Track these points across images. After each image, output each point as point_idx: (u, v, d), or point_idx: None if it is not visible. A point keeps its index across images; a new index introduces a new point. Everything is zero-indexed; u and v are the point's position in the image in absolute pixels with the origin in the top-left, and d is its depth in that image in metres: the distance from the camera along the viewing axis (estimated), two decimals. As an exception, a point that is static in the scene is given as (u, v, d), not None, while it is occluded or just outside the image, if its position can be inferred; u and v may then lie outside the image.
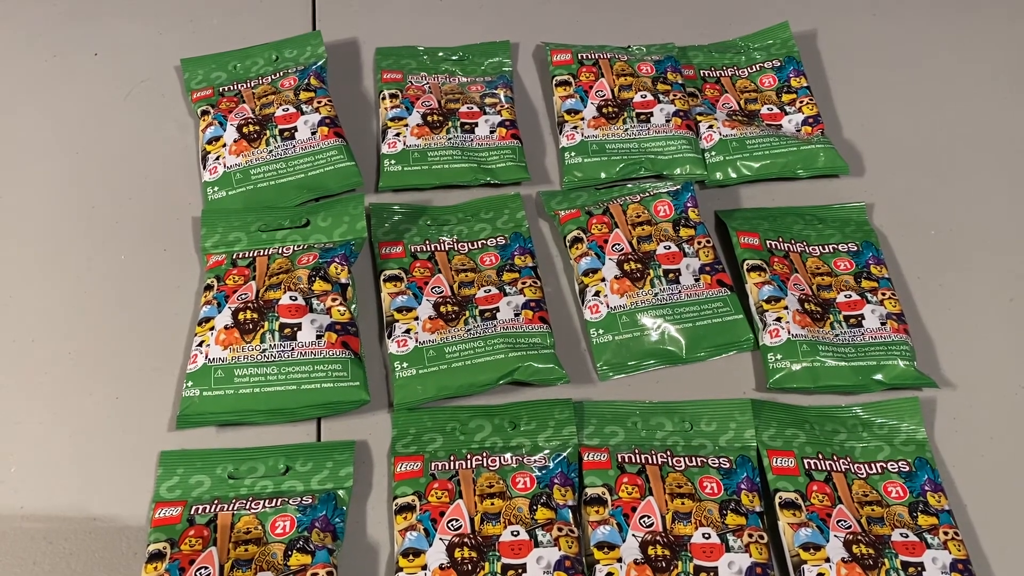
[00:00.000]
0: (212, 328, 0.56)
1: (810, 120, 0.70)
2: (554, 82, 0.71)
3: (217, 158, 0.65)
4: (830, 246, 0.64)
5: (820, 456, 0.54)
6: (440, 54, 0.73)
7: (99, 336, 0.59)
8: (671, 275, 0.61)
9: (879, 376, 0.57)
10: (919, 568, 0.50)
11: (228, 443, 0.55)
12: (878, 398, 0.57)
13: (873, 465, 0.54)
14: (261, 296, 0.58)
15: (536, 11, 0.77)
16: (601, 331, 0.59)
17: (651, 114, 0.68)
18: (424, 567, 0.49)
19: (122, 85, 0.71)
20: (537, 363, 0.57)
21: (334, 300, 0.58)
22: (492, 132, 0.68)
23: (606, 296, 0.60)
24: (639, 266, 0.61)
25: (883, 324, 0.59)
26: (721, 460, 0.54)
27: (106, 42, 0.73)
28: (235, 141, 0.66)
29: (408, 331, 0.58)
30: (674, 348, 0.59)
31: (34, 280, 0.61)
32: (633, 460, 0.53)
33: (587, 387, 0.58)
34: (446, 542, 0.50)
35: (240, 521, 0.50)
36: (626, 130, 0.68)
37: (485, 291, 0.59)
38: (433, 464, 0.53)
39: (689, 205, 0.64)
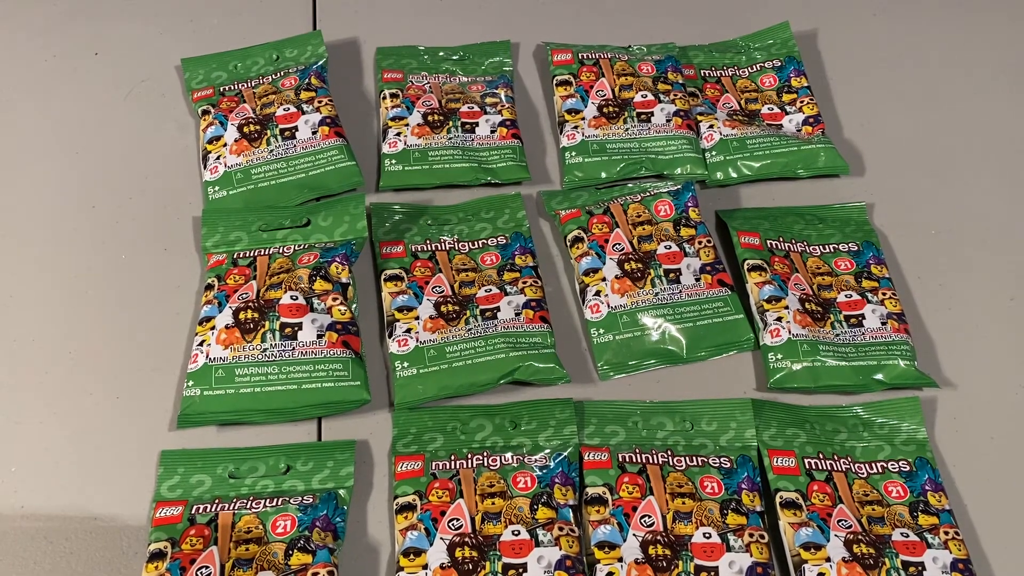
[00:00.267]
0: (213, 327, 0.56)
1: (810, 120, 0.70)
2: (555, 82, 0.71)
3: (218, 158, 0.65)
4: (831, 246, 0.64)
5: (821, 456, 0.54)
6: (441, 54, 0.73)
7: (99, 336, 0.59)
8: (672, 275, 0.61)
9: (880, 376, 0.57)
10: (920, 568, 0.50)
11: (229, 443, 0.54)
12: (879, 398, 0.57)
13: (874, 465, 0.54)
14: (262, 296, 0.58)
15: (536, 11, 0.77)
16: (602, 331, 0.59)
17: (652, 114, 0.68)
18: (425, 566, 0.49)
19: (122, 85, 0.71)
20: (538, 363, 0.57)
21: (335, 300, 0.58)
22: (493, 132, 0.68)
23: (607, 296, 0.60)
24: (640, 266, 0.61)
25: (884, 324, 0.59)
26: (722, 460, 0.54)
27: (106, 42, 0.73)
28: (236, 141, 0.66)
29: (409, 330, 0.58)
30: (675, 348, 0.59)
31: (34, 280, 0.61)
32: (634, 460, 0.53)
33: (588, 387, 0.58)
34: (447, 541, 0.50)
35: (241, 520, 0.50)
36: (627, 130, 0.68)
37: (486, 291, 0.59)
38: (434, 463, 0.53)
39: (690, 205, 0.64)
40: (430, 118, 0.68)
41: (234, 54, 0.71)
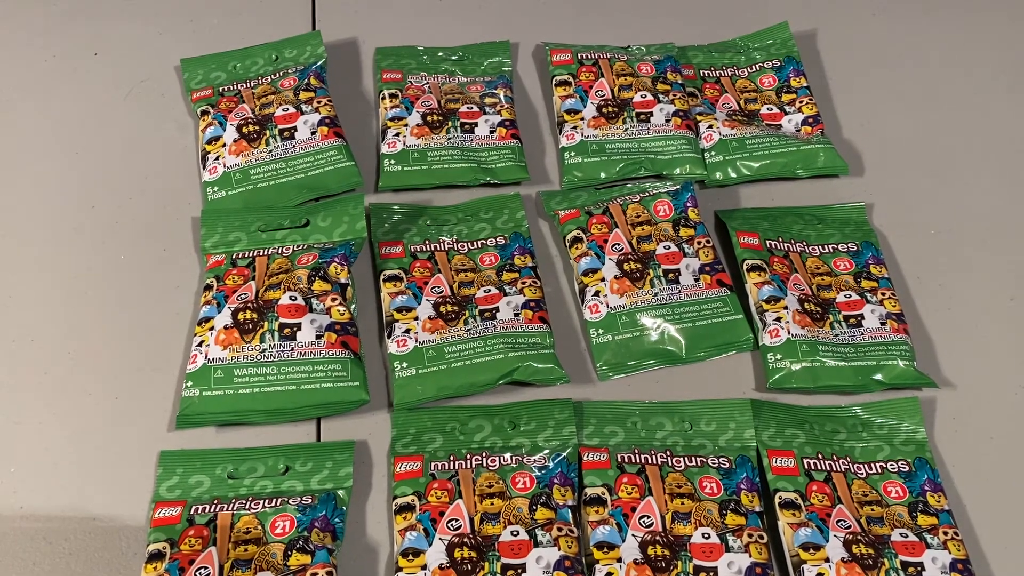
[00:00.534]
0: (212, 328, 0.56)
1: (810, 120, 0.70)
2: (554, 82, 0.71)
3: (217, 158, 0.65)
4: (830, 246, 0.64)
5: (820, 456, 0.54)
6: (440, 54, 0.73)
7: (99, 336, 0.59)
8: (671, 275, 0.61)
9: (879, 376, 0.57)
10: (919, 568, 0.50)
11: (228, 443, 0.55)
12: (878, 398, 0.57)
13: (873, 465, 0.54)
14: (261, 296, 0.58)
15: (536, 11, 0.77)
16: (601, 331, 0.59)
17: (651, 114, 0.68)
18: (424, 567, 0.49)
19: (122, 85, 0.71)
20: (537, 363, 0.57)
21: (334, 300, 0.58)
22: (492, 132, 0.68)
23: (606, 296, 0.60)
24: (639, 266, 0.61)
25: (883, 324, 0.59)
26: (721, 460, 0.54)
27: (106, 42, 0.73)
28: (235, 141, 0.66)
29: (408, 331, 0.58)
30: (674, 348, 0.59)
31: (34, 280, 0.61)
32: (633, 460, 0.53)
33: (587, 387, 0.58)
34: (446, 542, 0.50)
35: (240, 521, 0.50)
36: (626, 130, 0.68)
37: (485, 291, 0.59)
38: (433, 464, 0.53)
39: (689, 205, 0.64)
40: (429, 118, 0.68)
41: (233, 54, 0.71)
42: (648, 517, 0.51)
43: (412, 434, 0.55)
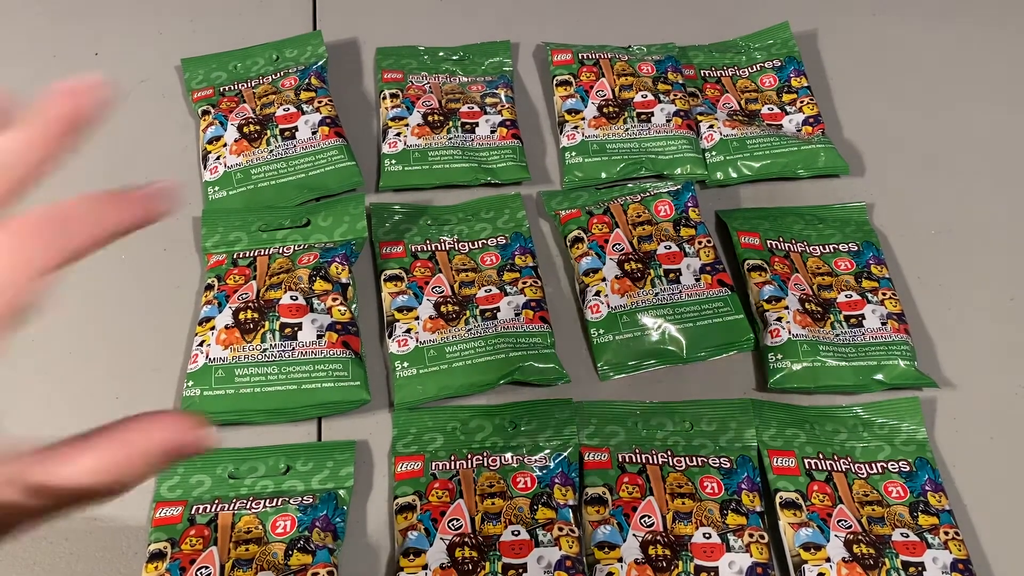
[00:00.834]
0: (213, 328, 0.56)
1: (811, 120, 0.70)
2: (555, 82, 0.71)
3: (218, 158, 0.65)
4: (830, 246, 0.64)
5: (820, 456, 0.54)
6: (441, 54, 0.73)
7: (99, 336, 0.59)
8: (672, 275, 0.61)
9: (879, 376, 0.57)
10: (920, 568, 0.50)
11: (228, 443, 0.54)
12: (878, 398, 0.57)
13: (874, 465, 0.54)
14: (262, 296, 0.58)
15: (536, 11, 0.77)
16: (602, 331, 0.59)
17: (652, 114, 0.68)
18: (425, 567, 0.49)
19: (122, 85, 0.71)
20: (538, 363, 0.56)
21: (335, 300, 0.58)
22: (493, 132, 0.68)
23: (607, 296, 0.60)
24: (640, 266, 0.61)
25: (883, 324, 0.59)
26: (722, 460, 0.54)
27: (106, 42, 0.73)
28: (236, 141, 0.66)
29: (409, 331, 0.58)
30: (675, 348, 0.59)
31: (34, 280, 0.61)
32: (634, 460, 0.53)
33: (588, 387, 0.58)
34: (447, 542, 0.50)
35: (241, 521, 0.50)
36: (627, 130, 0.68)
37: (486, 291, 0.59)
38: (434, 464, 0.53)
39: (690, 205, 0.64)
40: (430, 118, 0.68)
41: (234, 54, 0.71)
42: (649, 517, 0.51)
43: (413, 434, 0.55)
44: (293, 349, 0.55)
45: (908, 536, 0.51)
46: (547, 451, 0.54)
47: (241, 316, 0.57)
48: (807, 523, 0.51)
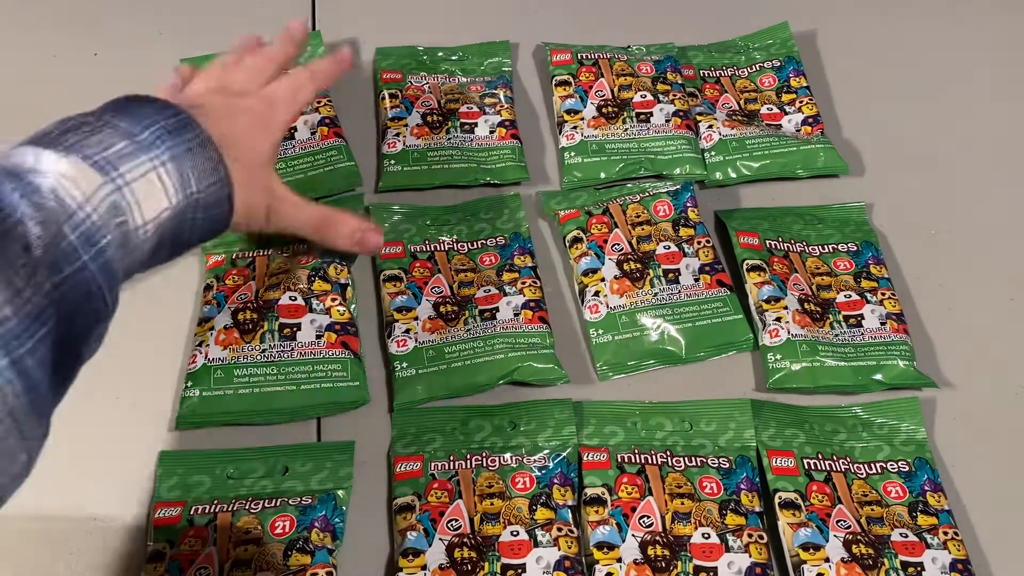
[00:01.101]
0: (212, 328, 0.56)
1: (810, 120, 0.70)
2: (554, 82, 0.71)
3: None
4: (830, 246, 0.64)
5: (820, 456, 0.54)
6: (440, 54, 0.73)
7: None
8: (671, 275, 0.61)
9: (879, 376, 0.57)
10: (919, 568, 0.50)
11: (228, 443, 0.54)
12: (878, 398, 0.57)
13: (873, 465, 0.54)
14: (260, 296, 0.58)
15: (536, 11, 0.77)
16: (601, 331, 0.59)
17: (651, 114, 0.68)
18: (423, 567, 0.49)
19: (122, 85, 0.71)
20: (537, 363, 0.57)
21: (333, 300, 0.58)
22: (492, 132, 0.68)
23: (606, 296, 0.60)
24: (639, 266, 0.61)
25: (883, 324, 0.59)
26: (721, 460, 0.54)
27: (106, 42, 0.73)
28: (235, 141, 0.66)
29: (408, 331, 0.58)
30: (674, 348, 0.59)
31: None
32: (633, 460, 0.53)
33: (587, 387, 0.58)
34: (445, 542, 0.50)
35: (240, 521, 0.50)
36: (626, 130, 0.68)
37: (485, 291, 0.59)
38: (433, 464, 0.53)
39: (689, 205, 0.64)
40: (429, 118, 0.68)
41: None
42: (648, 517, 0.51)
43: (412, 434, 0.55)
44: (292, 349, 0.56)
45: (907, 536, 0.51)
46: (546, 451, 0.54)
47: (240, 316, 0.57)
48: (806, 523, 0.51)
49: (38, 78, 0.71)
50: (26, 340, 0.32)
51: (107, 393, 0.56)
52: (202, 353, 0.55)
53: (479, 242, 0.62)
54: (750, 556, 0.50)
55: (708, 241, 0.63)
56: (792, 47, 0.74)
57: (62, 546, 0.51)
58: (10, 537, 0.51)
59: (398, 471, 0.53)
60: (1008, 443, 0.57)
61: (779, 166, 0.67)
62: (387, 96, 0.69)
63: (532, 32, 0.75)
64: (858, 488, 0.53)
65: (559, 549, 0.49)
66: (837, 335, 0.59)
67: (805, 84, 0.71)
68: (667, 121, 0.68)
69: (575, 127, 0.68)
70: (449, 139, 0.67)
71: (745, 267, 0.61)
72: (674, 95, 0.69)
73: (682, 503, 0.51)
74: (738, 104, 0.71)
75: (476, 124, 0.68)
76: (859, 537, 0.50)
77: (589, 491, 0.52)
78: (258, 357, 0.55)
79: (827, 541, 0.50)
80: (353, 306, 0.59)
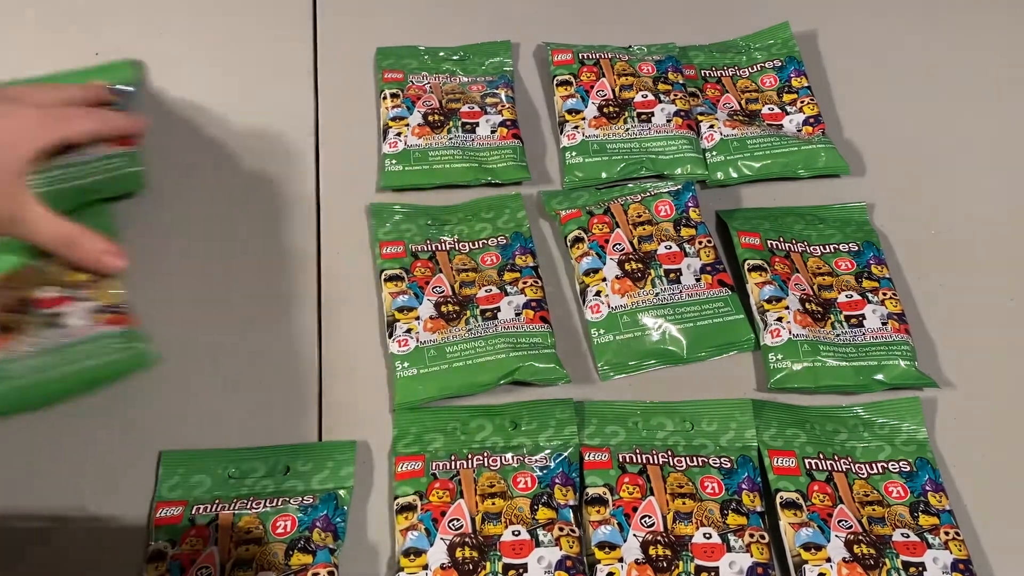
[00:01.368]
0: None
1: (811, 120, 0.70)
2: (555, 82, 0.71)
3: (218, 158, 0.65)
4: (831, 246, 0.64)
5: (821, 456, 0.54)
6: (441, 54, 0.73)
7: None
8: (672, 275, 0.61)
9: (880, 376, 0.57)
10: (920, 568, 0.50)
11: (228, 443, 0.54)
12: (879, 398, 0.57)
13: (874, 465, 0.54)
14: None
15: (537, 11, 0.77)
16: (602, 331, 0.59)
17: (652, 114, 0.68)
18: (425, 567, 0.49)
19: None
20: (538, 363, 0.57)
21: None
22: (493, 132, 0.68)
23: (607, 296, 0.60)
24: (640, 266, 0.61)
25: (884, 324, 0.59)
26: (722, 460, 0.54)
27: (106, 42, 0.73)
28: (236, 141, 0.66)
29: (409, 331, 0.58)
30: (675, 348, 0.59)
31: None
32: (634, 460, 0.53)
33: (588, 387, 0.58)
34: (447, 542, 0.50)
35: (241, 521, 0.50)
36: (627, 130, 0.68)
37: (486, 291, 0.59)
38: (434, 464, 0.53)
39: (690, 205, 0.64)
40: (430, 118, 0.68)
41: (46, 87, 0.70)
42: (649, 517, 0.51)
43: (413, 434, 0.55)
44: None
45: (908, 536, 0.51)
46: (547, 451, 0.54)
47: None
48: (807, 523, 0.51)
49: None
50: None
51: (107, 392, 0.56)
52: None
53: (480, 242, 0.62)
54: (751, 556, 0.50)
55: (709, 241, 0.63)
56: (793, 47, 0.74)
57: (62, 546, 0.51)
58: (11, 537, 0.51)
59: (399, 471, 0.53)
60: (1009, 443, 0.57)
61: (780, 166, 0.67)
62: (388, 96, 0.69)
63: (533, 32, 0.75)
64: (859, 488, 0.53)
65: (561, 549, 0.49)
66: (838, 335, 0.59)
67: (806, 84, 0.71)
68: (668, 121, 0.68)
69: (576, 127, 0.68)
70: (450, 139, 0.67)
71: (746, 267, 0.61)
72: (675, 95, 0.69)
73: (683, 503, 0.51)
74: (739, 104, 0.71)
75: (477, 124, 0.68)
76: (860, 537, 0.50)
77: (590, 491, 0.52)
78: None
79: (828, 541, 0.50)
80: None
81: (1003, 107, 0.73)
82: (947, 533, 0.51)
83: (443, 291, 0.59)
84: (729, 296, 0.60)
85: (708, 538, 0.50)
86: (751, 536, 0.50)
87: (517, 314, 0.58)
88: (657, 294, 0.60)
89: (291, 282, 0.61)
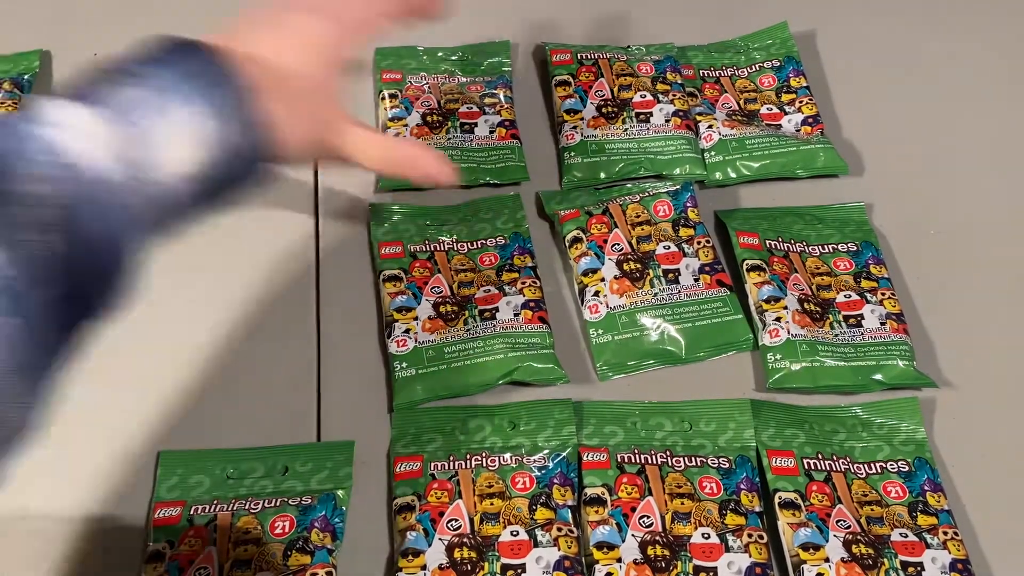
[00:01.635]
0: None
1: (810, 120, 0.70)
2: (553, 82, 0.71)
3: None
4: (830, 246, 0.64)
5: (819, 456, 0.54)
6: (440, 54, 0.73)
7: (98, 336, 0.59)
8: (671, 275, 0.61)
9: (879, 376, 0.57)
10: (918, 568, 0.50)
11: (228, 443, 0.54)
12: (878, 398, 0.57)
13: (873, 465, 0.54)
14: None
15: (536, 11, 0.77)
16: (600, 331, 0.59)
17: (650, 114, 0.68)
18: (423, 567, 0.49)
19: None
20: (537, 363, 0.57)
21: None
22: (492, 132, 0.68)
23: (605, 296, 0.60)
24: (639, 266, 0.61)
25: (883, 324, 0.59)
26: (720, 460, 0.54)
27: (106, 42, 0.73)
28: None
29: (408, 331, 0.58)
30: (673, 348, 0.59)
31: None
32: (632, 460, 0.53)
33: (587, 387, 0.58)
34: (445, 542, 0.50)
35: (239, 521, 0.50)
36: (625, 130, 0.68)
37: (484, 291, 0.59)
38: (432, 464, 0.53)
39: (688, 205, 0.64)
40: (429, 118, 0.68)
41: None
42: (648, 517, 0.51)
43: (411, 434, 0.55)
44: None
45: (907, 536, 0.51)
46: (546, 451, 0.54)
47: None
48: (806, 523, 0.51)
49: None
50: (26, 284, 0.32)
51: (107, 392, 0.56)
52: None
53: (479, 242, 0.62)
54: (750, 556, 0.50)
55: (708, 241, 0.63)
56: (792, 47, 0.74)
57: (62, 546, 0.51)
58: (11, 537, 0.51)
59: (398, 471, 0.53)
60: (1008, 443, 0.57)
61: (779, 166, 0.67)
62: (387, 96, 0.69)
63: (532, 32, 0.75)
64: (858, 488, 0.53)
65: (559, 549, 0.49)
66: (837, 335, 0.59)
67: (805, 84, 0.71)
68: (667, 121, 0.68)
69: (575, 127, 0.68)
70: (449, 139, 0.67)
71: (745, 267, 0.61)
72: (674, 95, 0.69)
73: (682, 503, 0.51)
74: (738, 104, 0.71)
75: (476, 124, 0.68)
76: (859, 537, 0.50)
77: (589, 491, 0.52)
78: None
79: (827, 541, 0.50)
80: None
81: (1003, 107, 0.73)
82: (945, 533, 0.51)
83: (441, 291, 0.59)
84: (728, 296, 0.60)
85: (707, 538, 0.50)
86: (749, 536, 0.50)
87: (516, 314, 0.58)
88: (656, 294, 0.60)
89: (289, 282, 0.61)
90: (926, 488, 0.53)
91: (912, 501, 0.52)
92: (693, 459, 0.54)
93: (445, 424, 0.55)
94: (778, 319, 0.58)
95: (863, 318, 0.60)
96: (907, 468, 0.54)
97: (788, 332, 0.58)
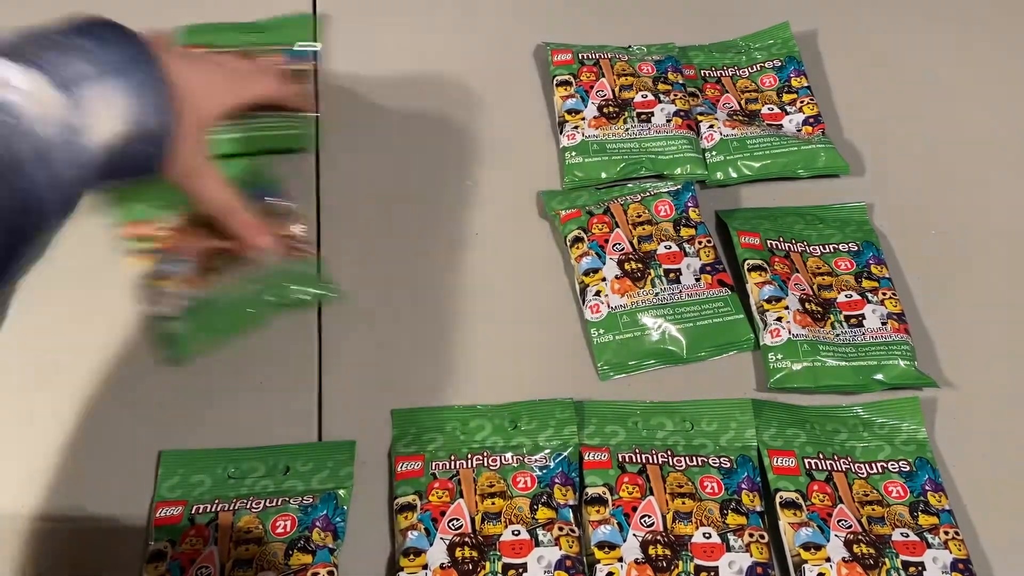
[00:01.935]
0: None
1: (811, 120, 0.70)
2: (555, 82, 0.71)
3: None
4: (831, 246, 0.64)
5: (821, 456, 0.54)
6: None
7: (99, 337, 0.59)
8: (672, 275, 0.61)
9: (880, 376, 0.57)
10: (920, 568, 0.50)
11: (228, 443, 0.54)
12: (879, 398, 0.57)
13: (874, 465, 0.54)
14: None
15: (536, 11, 0.77)
16: (602, 331, 0.59)
17: (652, 114, 0.68)
18: (425, 566, 0.49)
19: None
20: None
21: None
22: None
23: (607, 296, 0.60)
24: (640, 266, 0.61)
25: (884, 324, 0.59)
26: (722, 460, 0.54)
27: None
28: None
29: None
30: (675, 348, 0.59)
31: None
32: (634, 460, 0.53)
33: (588, 387, 0.58)
34: (447, 541, 0.50)
35: (241, 520, 0.50)
36: (627, 130, 0.68)
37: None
38: (434, 463, 0.53)
39: (690, 205, 0.64)
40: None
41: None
42: (649, 517, 0.51)
43: (413, 433, 0.55)
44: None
45: (908, 536, 0.51)
46: (547, 451, 0.54)
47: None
48: (807, 523, 0.51)
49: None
50: None
51: (108, 392, 0.56)
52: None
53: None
54: (751, 555, 0.50)
55: (709, 241, 0.63)
56: (793, 47, 0.74)
57: (62, 546, 0.51)
58: (11, 536, 0.51)
59: (399, 470, 0.53)
60: (1008, 443, 0.57)
61: (780, 166, 0.67)
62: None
63: (533, 32, 0.75)
64: (859, 488, 0.53)
65: (560, 548, 0.49)
66: (838, 335, 0.59)
67: (806, 84, 0.71)
68: (668, 121, 0.68)
69: (576, 127, 0.68)
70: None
71: (746, 267, 0.61)
72: (675, 95, 0.69)
73: (683, 503, 0.51)
74: (739, 104, 0.71)
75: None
76: (860, 537, 0.50)
77: (590, 491, 0.52)
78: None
79: (828, 541, 0.50)
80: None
81: (1003, 107, 0.73)
82: (947, 533, 0.51)
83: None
84: (729, 296, 0.60)
85: (708, 538, 0.50)
86: (751, 536, 0.50)
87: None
88: (657, 294, 0.60)
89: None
90: (927, 488, 0.53)
91: (913, 501, 0.53)
92: (694, 459, 0.54)
93: (446, 423, 0.55)
94: (779, 319, 0.58)
95: (864, 318, 0.60)
96: (908, 468, 0.54)
97: (789, 332, 0.58)
